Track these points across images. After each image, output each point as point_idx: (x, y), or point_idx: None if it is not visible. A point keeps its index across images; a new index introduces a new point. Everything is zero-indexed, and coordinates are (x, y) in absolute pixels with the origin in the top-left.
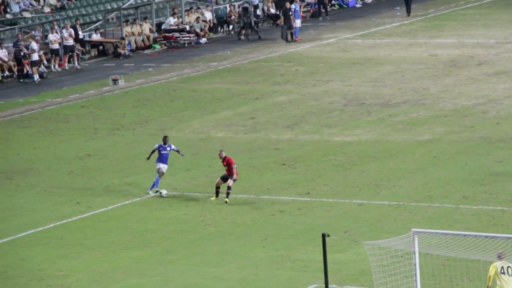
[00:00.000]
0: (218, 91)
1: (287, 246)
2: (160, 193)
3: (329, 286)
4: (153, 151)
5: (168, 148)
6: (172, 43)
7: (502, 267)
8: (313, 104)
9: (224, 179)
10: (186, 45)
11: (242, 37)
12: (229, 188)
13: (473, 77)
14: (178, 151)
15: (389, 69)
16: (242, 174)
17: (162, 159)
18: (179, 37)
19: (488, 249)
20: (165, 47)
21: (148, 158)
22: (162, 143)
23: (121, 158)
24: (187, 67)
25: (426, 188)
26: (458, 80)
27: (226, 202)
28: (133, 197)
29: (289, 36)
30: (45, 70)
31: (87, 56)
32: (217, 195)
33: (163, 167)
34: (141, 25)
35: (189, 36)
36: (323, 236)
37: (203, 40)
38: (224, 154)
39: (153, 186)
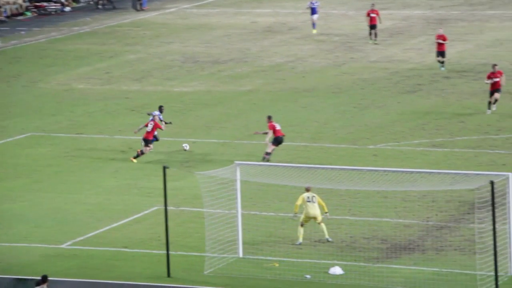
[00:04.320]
0: (79, 50)
1: (134, 176)
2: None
3: (168, 207)
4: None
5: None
6: (41, 11)
7: (308, 197)
8: (158, 61)
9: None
10: (53, 12)
11: (100, 6)
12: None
13: (285, 40)
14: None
15: (218, 33)
16: (98, 118)
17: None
18: (47, 6)
19: (293, 176)
20: (36, 14)
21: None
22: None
23: None
24: (54, 31)
25: (247, 129)
26: (273, 42)
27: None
28: (7, 138)
29: (138, 6)
30: None
31: None
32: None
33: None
34: None
35: (56, 5)
36: (164, 168)
37: (67, 8)
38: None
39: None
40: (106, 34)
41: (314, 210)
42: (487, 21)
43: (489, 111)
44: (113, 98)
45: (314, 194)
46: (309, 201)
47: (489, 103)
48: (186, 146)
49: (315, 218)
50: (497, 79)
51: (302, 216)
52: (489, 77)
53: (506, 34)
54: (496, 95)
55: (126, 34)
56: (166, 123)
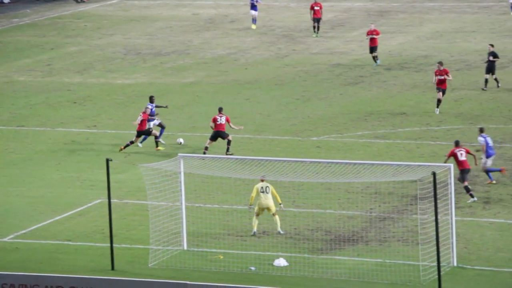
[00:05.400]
0: (19, 42)
1: (77, 169)
2: (180, 142)
3: (111, 200)
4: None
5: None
6: None
7: (262, 187)
8: (99, 54)
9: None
10: None
11: None
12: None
13: (227, 32)
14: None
15: (160, 25)
16: (40, 111)
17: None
18: None
19: (237, 168)
20: None
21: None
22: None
23: None
24: None
25: (191, 121)
26: (215, 34)
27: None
28: None
29: None
30: None
31: None
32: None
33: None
34: None
35: None
36: (107, 160)
37: (7, 0)
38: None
39: (160, 135)
40: (47, 26)
41: (267, 201)
42: (427, 13)
43: (437, 111)
44: (55, 91)
45: (268, 185)
46: (262, 192)
47: (439, 100)
48: (180, 140)
49: (268, 209)
50: (441, 77)
51: (256, 207)
52: (435, 74)
53: (445, 26)
54: (440, 94)
55: (67, 26)
56: (158, 106)
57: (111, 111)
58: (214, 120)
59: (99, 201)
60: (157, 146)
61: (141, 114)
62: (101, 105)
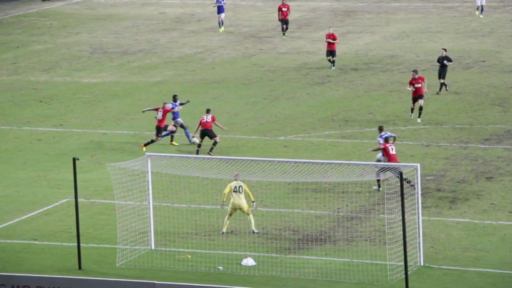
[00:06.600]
0: None
1: (43, 168)
2: (195, 141)
3: (78, 199)
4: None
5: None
6: None
7: (235, 186)
8: (65, 52)
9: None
10: None
11: None
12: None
13: (194, 31)
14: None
15: (127, 24)
16: (5, 109)
17: (176, 115)
18: None
19: (204, 168)
20: None
21: (185, 103)
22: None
23: None
24: None
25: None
26: (182, 33)
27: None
28: None
29: None
30: None
31: None
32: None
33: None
34: None
35: None
36: (74, 160)
37: None
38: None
39: (188, 136)
40: (12, 24)
41: (240, 200)
42: (393, 13)
43: (411, 116)
44: (21, 89)
45: (242, 184)
46: (235, 191)
47: (412, 109)
48: (196, 140)
49: (240, 208)
50: (419, 85)
51: (229, 206)
52: (411, 83)
53: (411, 26)
54: (420, 101)
55: (33, 24)
56: (182, 104)
57: (77, 110)
58: (201, 120)
59: (66, 200)
60: (145, 145)
61: (160, 109)
62: (68, 104)
